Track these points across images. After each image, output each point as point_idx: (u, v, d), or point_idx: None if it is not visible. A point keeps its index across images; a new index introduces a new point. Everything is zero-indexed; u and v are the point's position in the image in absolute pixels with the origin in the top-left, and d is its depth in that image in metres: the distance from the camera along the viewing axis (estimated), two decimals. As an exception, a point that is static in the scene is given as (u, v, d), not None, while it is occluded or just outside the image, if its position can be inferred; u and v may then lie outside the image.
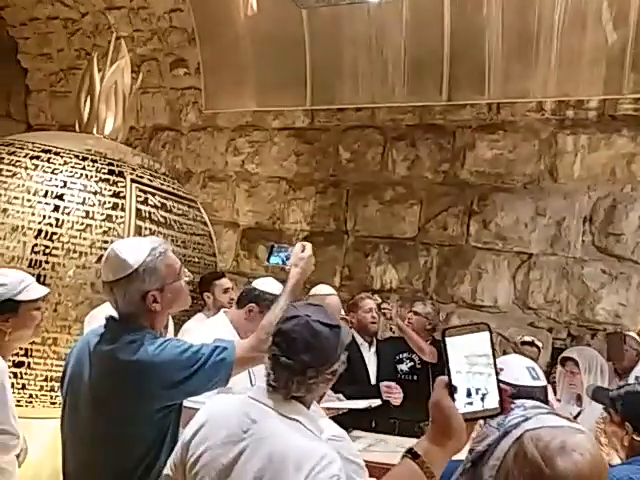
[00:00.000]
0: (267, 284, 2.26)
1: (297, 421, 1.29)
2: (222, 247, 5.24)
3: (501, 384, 0.84)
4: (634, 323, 3.84)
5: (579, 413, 2.52)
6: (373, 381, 3.11)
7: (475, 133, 4.30)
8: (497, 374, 0.84)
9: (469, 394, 0.84)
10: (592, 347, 3.56)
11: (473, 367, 0.84)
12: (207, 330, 2.16)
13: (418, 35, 4.24)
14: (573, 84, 3.91)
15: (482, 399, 0.84)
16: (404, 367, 3.45)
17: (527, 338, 3.46)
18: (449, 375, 0.84)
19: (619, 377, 3.19)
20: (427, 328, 3.54)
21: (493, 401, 0.83)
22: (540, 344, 3.48)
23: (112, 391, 1.48)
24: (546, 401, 1.21)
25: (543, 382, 1.21)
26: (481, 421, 0.90)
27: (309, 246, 1.74)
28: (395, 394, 2.97)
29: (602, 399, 1.93)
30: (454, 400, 0.83)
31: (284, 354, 1.31)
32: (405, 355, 3.50)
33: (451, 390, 0.84)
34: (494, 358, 0.85)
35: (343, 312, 3.54)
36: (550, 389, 2.50)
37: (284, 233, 5.05)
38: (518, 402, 0.87)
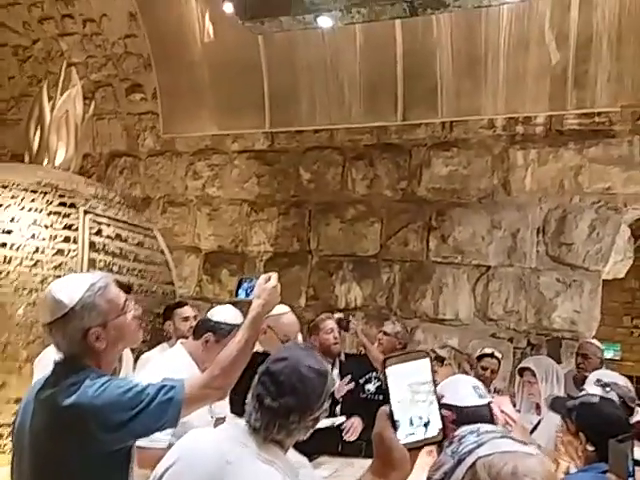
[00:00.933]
0: (223, 313, 2.23)
1: (273, 463, 1.27)
2: (184, 273, 5.18)
3: (442, 410, 0.84)
4: (589, 329, 3.99)
5: (539, 422, 2.59)
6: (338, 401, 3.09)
7: (430, 151, 4.43)
8: (438, 401, 0.84)
9: (411, 423, 0.83)
10: (544, 354, 3.69)
11: (415, 395, 0.84)
12: (165, 361, 2.11)
13: (372, 58, 4.36)
14: (520, 101, 4.09)
15: (424, 427, 0.83)
16: (371, 387, 3.45)
17: (487, 350, 3.52)
18: (390, 405, 0.84)
19: (579, 384, 3.27)
20: (397, 347, 3.57)
21: (435, 428, 0.83)
22: (500, 355, 3.55)
23: (52, 439, 1.40)
24: (491, 417, 1.24)
25: (487, 399, 1.25)
26: (432, 447, 0.90)
27: (274, 277, 1.70)
28: (352, 431, 3.00)
29: (559, 409, 1.98)
30: (396, 430, 0.83)
31: (269, 395, 1.30)
32: (373, 375, 3.51)
33: (393, 420, 0.83)
34: (434, 385, 0.85)
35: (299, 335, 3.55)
36: (509, 399, 2.57)
37: (247, 256, 5.03)
38: (472, 427, 0.87)
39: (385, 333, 3.57)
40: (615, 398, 1.99)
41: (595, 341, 3.72)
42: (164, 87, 5.17)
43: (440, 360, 3.23)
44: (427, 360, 0.85)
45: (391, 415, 0.83)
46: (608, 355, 7.29)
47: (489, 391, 3.10)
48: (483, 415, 1.24)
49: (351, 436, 3.01)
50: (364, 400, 3.35)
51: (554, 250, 4.06)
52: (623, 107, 3.82)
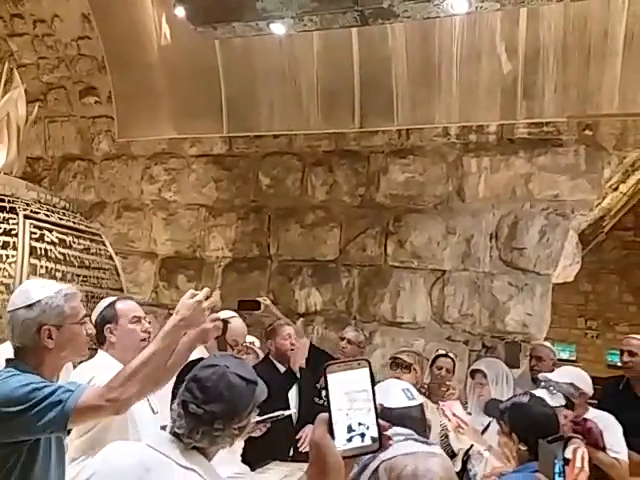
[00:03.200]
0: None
1: (194, 471, 1.26)
2: (140, 279, 5.09)
3: (380, 420, 0.84)
4: (540, 331, 4.12)
5: (489, 423, 2.65)
6: (293, 408, 3.09)
7: (387, 158, 4.49)
8: (376, 409, 0.84)
9: (349, 431, 0.83)
10: (496, 356, 3.79)
11: (353, 403, 0.83)
12: (90, 367, 2.02)
13: (329, 65, 4.39)
14: (473, 110, 4.19)
15: (361, 435, 0.83)
16: (323, 396, 3.45)
17: (441, 351, 3.60)
18: (329, 412, 0.83)
19: (536, 386, 3.37)
20: (358, 355, 3.59)
21: (372, 437, 0.83)
22: (453, 355, 3.63)
23: None
24: (423, 417, 1.28)
25: (419, 401, 1.28)
26: None
27: (200, 294, 1.66)
28: (307, 441, 3.01)
29: (493, 412, 2.04)
30: (334, 438, 0.83)
31: (194, 402, 1.29)
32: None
33: (331, 428, 0.83)
34: (374, 394, 0.85)
35: (252, 339, 3.53)
36: (459, 403, 2.62)
37: (205, 261, 4.98)
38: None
39: (349, 341, 3.58)
40: (560, 398, 2.06)
41: (548, 343, 3.85)
42: (119, 90, 5.07)
43: (405, 367, 3.25)
44: (367, 369, 0.86)
45: (329, 422, 0.83)
46: (564, 356, 7.58)
47: (447, 387, 3.16)
48: (414, 416, 1.26)
49: (306, 447, 3.02)
50: (320, 406, 3.36)
51: (506, 255, 4.18)
52: (569, 117, 3.97)
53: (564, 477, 1.51)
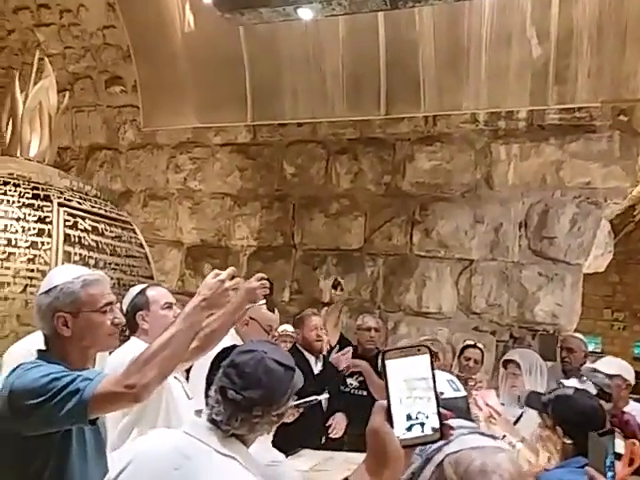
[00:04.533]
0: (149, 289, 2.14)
1: (234, 459, 1.24)
2: (166, 267, 5.12)
3: (442, 409, 0.82)
4: (570, 322, 4.04)
5: (521, 414, 2.61)
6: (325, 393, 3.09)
7: (414, 145, 4.42)
8: (437, 398, 0.81)
9: (409, 419, 0.81)
10: (532, 348, 3.73)
11: (413, 392, 0.81)
12: (123, 354, 2.03)
13: (355, 51, 4.33)
14: (502, 96, 4.10)
15: (421, 425, 0.81)
16: (354, 382, 3.44)
17: (469, 341, 3.56)
18: (388, 400, 0.81)
19: (567, 377, 3.31)
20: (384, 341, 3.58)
21: (433, 426, 0.81)
22: (482, 346, 3.59)
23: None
24: (468, 410, 1.24)
25: (463, 393, 1.25)
26: None
27: (224, 274, 1.58)
28: (337, 428, 3.02)
29: (535, 404, 1.98)
30: (392, 426, 0.80)
31: (233, 388, 1.26)
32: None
33: (390, 416, 0.81)
34: (434, 382, 0.82)
35: (286, 326, 3.53)
36: (494, 393, 2.58)
37: (231, 250, 4.99)
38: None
39: (376, 330, 3.56)
40: (591, 387, 2.01)
41: (579, 335, 3.77)
42: (144, 79, 5.08)
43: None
44: (427, 356, 0.83)
45: (388, 410, 0.81)
46: (590, 348, 7.43)
47: (474, 381, 3.13)
48: (459, 407, 1.24)
49: (337, 433, 3.02)
50: (346, 394, 3.35)
51: (536, 244, 4.10)
52: (603, 102, 3.85)
53: (614, 472, 1.46)
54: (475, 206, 4.25)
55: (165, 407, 1.86)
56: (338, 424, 3.07)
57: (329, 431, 3.03)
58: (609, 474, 1.49)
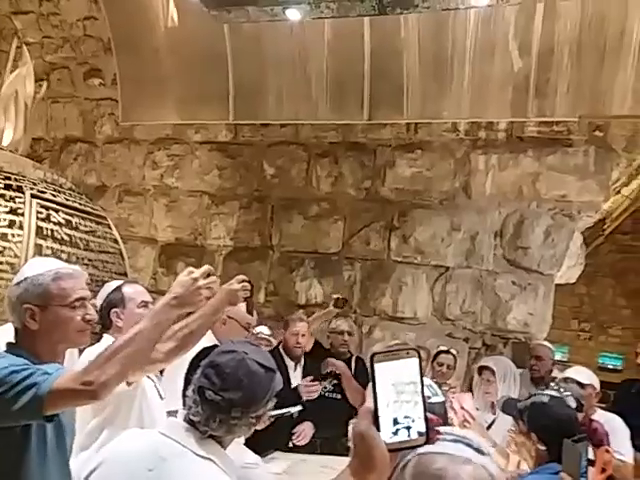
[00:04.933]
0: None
1: (210, 460, 1.21)
2: (138, 264, 5.03)
3: (428, 414, 0.81)
4: (541, 331, 4.11)
5: (493, 421, 2.64)
6: (299, 405, 3.08)
7: (395, 152, 4.45)
8: (424, 402, 0.81)
9: (395, 424, 0.80)
10: (504, 356, 3.78)
11: (400, 395, 0.80)
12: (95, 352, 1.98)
13: (340, 55, 4.33)
14: (483, 107, 4.16)
15: (408, 429, 0.80)
16: (328, 385, 3.43)
17: (443, 347, 3.60)
18: (375, 403, 0.80)
19: (536, 385, 3.37)
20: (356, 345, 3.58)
21: (419, 431, 0.80)
22: (455, 352, 3.62)
23: None
24: (445, 415, 1.25)
25: (442, 398, 1.26)
26: None
27: (197, 272, 1.53)
28: (312, 390, 2.97)
29: (511, 411, 2.01)
30: (379, 430, 0.80)
31: (212, 388, 1.24)
32: (328, 371, 3.50)
33: (376, 419, 0.80)
34: (422, 385, 0.82)
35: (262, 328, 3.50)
36: (469, 396, 2.61)
37: (206, 249, 4.93)
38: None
39: (349, 333, 3.56)
40: (571, 400, 2.04)
41: (547, 343, 3.84)
42: (124, 73, 4.99)
43: None
44: (416, 359, 0.82)
45: (375, 414, 0.80)
46: (557, 357, 7.59)
47: (448, 386, 3.15)
48: (437, 412, 1.24)
49: (301, 441, 3.00)
50: (320, 397, 3.33)
51: (510, 254, 4.16)
52: (581, 117, 3.94)
53: (587, 477, 1.49)
54: (452, 214, 4.30)
55: (138, 407, 1.82)
56: (304, 432, 3.06)
57: (294, 437, 3.01)
58: (582, 479, 1.52)
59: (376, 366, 0.81)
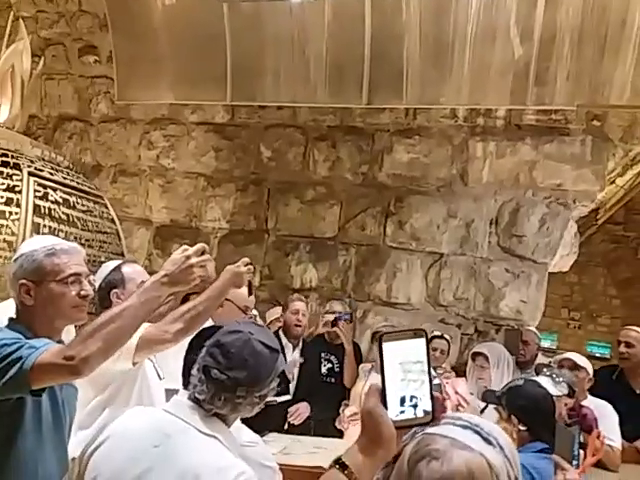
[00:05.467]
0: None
1: (215, 438, 1.23)
2: (133, 245, 5.01)
3: (435, 392, 0.84)
4: (533, 319, 4.16)
5: (486, 406, 2.68)
6: (292, 384, 3.12)
7: (393, 137, 4.43)
8: (431, 381, 0.84)
9: (402, 402, 0.83)
10: (496, 342, 3.83)
11: (408, 374, 0.83)
12: None
13: (340, 37, 4.29)
14: (483, 93, 4.14)
15: (415, 407, 0.83)
16: (323, 369, 3.48)
17: (436, 332, 3.64)
18: (383, 382, 0.83)
19: (521, 370, 3.44)
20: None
21: (425, 409, 0.83)
22: (449, 337, 3.67)
23: None
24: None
25: (437, 381, 1.28)
26: None
27: (191, 249, 1.50)
28: (297, 416, 3.05)
29: (491, 400, 2.07)
30: (387, 408, 0.82)
31: (217, 367, 1.26)
32: (323, 356, 3.53)
33: (384, 398, 0.83)
34: (429, 365, 0.84)
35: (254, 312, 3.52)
36: (463, 381, 2.64)
37: (201, 231, 4.92)
38: (453, 414, 0.85)
39: (346, 319, 3.59)
40: (564, 387, 2.08)
41: (533, 328, 3.91)
42: (120, 51, 4.90)
43: None
44: (423, 339, 0.84)
45: (383, 392, 0.82)
46: (545, 344, 7.70)
47: (443, 370, 3.19)
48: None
49: (296, 420, 3.05)
50: (315, 381, 3.37)
51: (505, 241, 4.18)
52: (579, 106, 3.94)
53: (579, 460, 1.53)
54: (449, 201, 4.31)
55: (139, 387, 1.83)
56: (298, 412, 3.10)
57: (289, 416, 3.05)
58: (574, 462, 1.56)
59: (384, 345, 0.83)
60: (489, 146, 4.21)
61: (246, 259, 1.96)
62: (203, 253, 1.53)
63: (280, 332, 3.27)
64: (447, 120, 4.31)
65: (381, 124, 4.45)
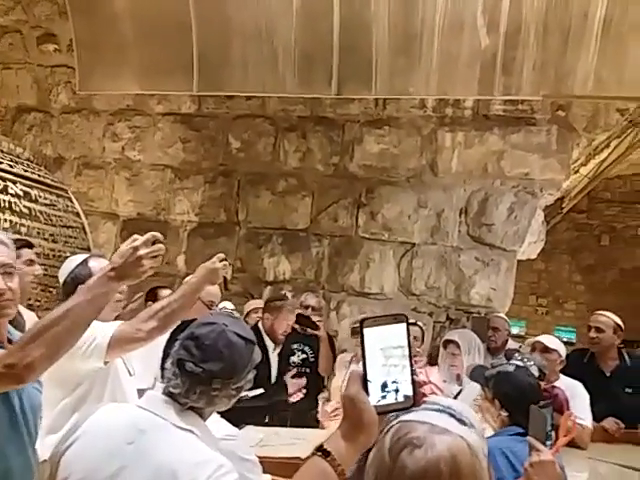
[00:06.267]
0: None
1: (191, 432, 1.20)
2: (99, 240, 4.88)
3: (415, 377, 0.84)
4: (502, 306, 4.23)
5: (459, 392, 2.72)
6: (273, 380, 3.09)
7: (363, 127, 4.43)
8: (412, 366, 0.84)
9: (384, 387, 0.83)
10: (467, 329, 3.89)
11: (389, 359, 0.83)
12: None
13: (308, 27, 4.24)
14: (451, 84, 4.17)
15: (396, 392, 0.83)
16: (295, 359, 3.47)
17: (410, 320, 3.66)
18: (364, 367, 0.83)
19: (492, 355, 3.51)
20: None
21: (406, 394, 0.83)
22: (422, 324, 3.72)
23: None
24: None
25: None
26: None
27: (140, 239, 1.38)
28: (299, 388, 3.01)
29: (478, 378, 2.10)
30: (368, 394, 0.82)
31: (191, 360, 1.23)
32: (296, 346, 3.52)
33: (365, 383, 0.82)
34: (409, 350, 0.85)
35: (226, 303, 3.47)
36: (436, 370, 2.67)
37: (170, 225, 4.83)
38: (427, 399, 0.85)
39: (313, 308, 3.57)
40: (534, 368, 2.13)
41: (503, 315, 3.99)
42: (81, 39, 4.74)
43: None
44: (404, 324, 0.85)
45: (364, 378, 0.82)
46: (514, 331, 7.87)
47: (416, 357, 3.22)
48: None
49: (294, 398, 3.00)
50: (290, 371, 3.35)
51: (475, 230, 4.24)
52: (544, 97, 4.01)
53: (552, 440, 1.57)
54: (419, 191, 4.33)
55: (111, 385, 1.78)
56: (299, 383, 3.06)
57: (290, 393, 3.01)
58: (547, 443, 1.60)
59: (365, 331, 0.83)
60: (457, 136, 4.24)
61: (221, 255, 1.91)
62: (155, 242, 1.41)
63: (259, 325, 3.23)
64: (416, 110, 4.33)
65: (351, 115, 4.44)
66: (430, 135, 4.34)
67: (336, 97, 4.38)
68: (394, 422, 0.81)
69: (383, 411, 0.83)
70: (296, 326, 3.48)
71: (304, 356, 3.50)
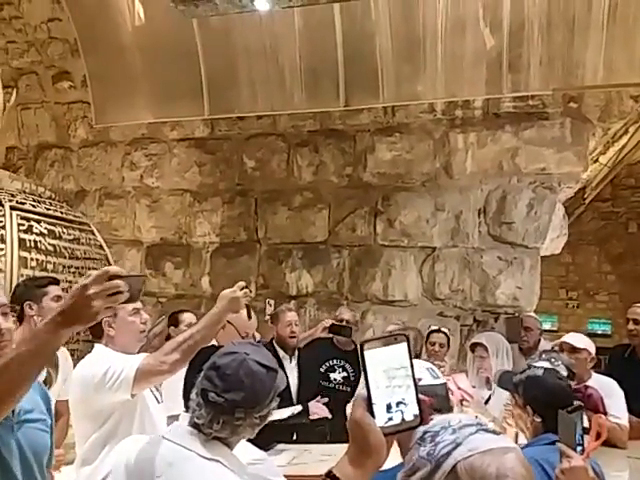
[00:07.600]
0: None
1: (218, 462, 1.22)
2: (126, 267, 4.97)
3: (420, 395, 0.84)
4: (530, 304, 4.17)
5: (490, 396, 2.68)
6: (294, 393, 3.09)
7: (374, 136, 4.44)
8: (416, 385, 0.84)
9: (389, 409, 0.83)
10: (496, 330, 3.84)
11: (392, 380, 0.83)
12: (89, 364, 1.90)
13: (312, 42, 4.30)
14: (458, 85, 4.16)
15: (402, 412, 0.83)
16: (337, 376, 3.44)
17: (434, 327, 3.63)
18: (368, 390, 0.83)
19: (525, 356, 3.45)
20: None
21: (413, 413, 0.83)
22: (446, 330, 3.67)
23: None
24: (447, 396, 1.28)
25: (442, 380, 1.28)
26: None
27: (92, 276, 1.12)
28: (321, 410, 2.99)
29: (507, 384, 2.05)
30: (374, 416, 0.82)
31: (214, 390, 1.25)
32: (336, 363, 3.49)
33: (370, 406, 0.82)
34: (412, 369, 0.84)
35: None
36: (464, 376, 2.64)
37: (192, 247, 4.91)
38: (443, 421, 0.84)
39: (348, 322, 3.56)
40: (562, 369, 2.08)
41: (533, 314, 3.92)
42: (94, 74, 4.90)
43: None
44: (405, 344, 0.84)
45: (369, 401, 0.82)
46: (546, 326, 7.75)
47: (443, 368, 3.19)
48: (439, 394, 1.27)
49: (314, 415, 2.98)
50: (331, 389, 3.34)
51: (495, 230, 4.20)
52: (554, 90, 3.97)
53: (583, 446, 1.53)
54: (435, 195, 4.32)
55: (140, 415, 1.82)
56: (318, 409, 3.02)
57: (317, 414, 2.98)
58: (578, 448, 1.56)
59: (366, 354, 0.83)
60: (470, 137, 4.22)
61: (242, 283, 1.91)
62: (113, 278, 1.15)
63: (274, 343, 3.23)
64: (426, 115, 4.32)
65: (361, 124, 4.46)
66: (442, 138, 4.33)
67: (345, 109, 4.41)
68: (447, 462, 0.78)
69: (391, 432, 0.83)
70: (330, 335, 3.48)
71: (345, 374, 3.47)
